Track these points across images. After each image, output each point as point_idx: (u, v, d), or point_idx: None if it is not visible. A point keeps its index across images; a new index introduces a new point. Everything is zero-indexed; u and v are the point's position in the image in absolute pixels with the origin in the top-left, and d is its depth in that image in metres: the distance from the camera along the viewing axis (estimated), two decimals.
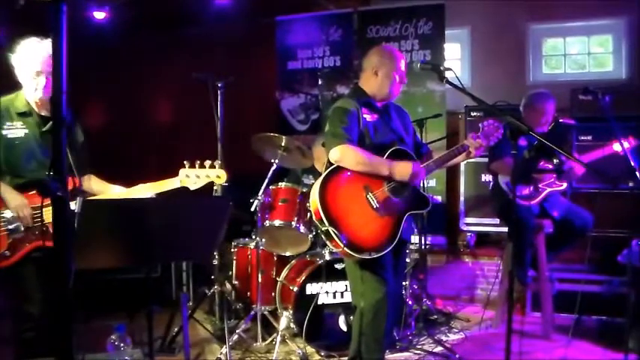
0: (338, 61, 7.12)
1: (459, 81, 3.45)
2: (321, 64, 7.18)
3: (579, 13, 7.00)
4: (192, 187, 3.49)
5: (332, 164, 3.53)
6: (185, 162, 3.45)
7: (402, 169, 3.51)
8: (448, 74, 3.49)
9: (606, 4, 6.81)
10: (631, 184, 4.00)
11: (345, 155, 3.46)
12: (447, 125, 6.64)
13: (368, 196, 3.49)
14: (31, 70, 3.41)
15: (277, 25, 7.45)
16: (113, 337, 3.56)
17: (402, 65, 3.73)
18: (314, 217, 3.51)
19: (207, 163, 3.45)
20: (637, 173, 3.72)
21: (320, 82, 5.68)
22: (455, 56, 7.60)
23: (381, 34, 6.91)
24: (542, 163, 5.00)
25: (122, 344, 3.54)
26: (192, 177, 3.45)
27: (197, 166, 3.46)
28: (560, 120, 5.16)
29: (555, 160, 4.79)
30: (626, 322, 4.23)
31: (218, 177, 3.49)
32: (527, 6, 7.12)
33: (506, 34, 7.29)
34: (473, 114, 6.50)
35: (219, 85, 4.82)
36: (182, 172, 3.46)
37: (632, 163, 3.84)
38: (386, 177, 3.53)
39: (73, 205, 2.81)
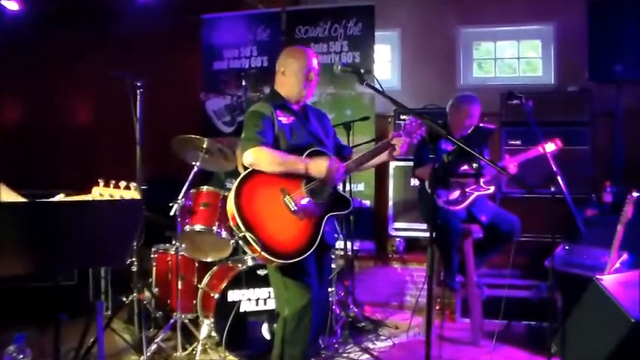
0: (265, 62, 7.01)
1: (379, 84, 3.41)
2: (248, 64, 7.08)
3: (509, 18, 7.12)
4: None
5: (247, 168, 3.44)
6: (99, 180, 3.32)
7: (318, 166, 3.44)
8: (368, 77, 3.42)
9: (535, 9, 6.92)
10: (552, 189, 4.03)
11: (259, 157, 3.39)
12: (376, 128, 6.63)
13: (285, 199, 3.40)
14: None
15: (203, 23, 7.32)
16: (11, 348, 3.43)
17: (315, 63, 3.63)
18: (231, 223, 3.41)
19: (122, 183, 3.33)
20: (558, 178, 3.74)
21: (245, 83, 5.57)
22: (385, 58, 7.59)
23: (310, 35, 6.86)
24: (464, 168, 4.98)
25: (21, 356, 3.40)
26: (105, 196, 3.33)
27: (112, 185, 3.32)
28: (481, 124, 5.15)
29: (474, 165, 4.79)
30: (549, 326, 4.24)
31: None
32: (458, 9, 7.21)
33: (437, 37, 7.35)
34: (402, 117, 6.46)
35: (138, 84, 4.71)
36: (95, 189, 3.35)
37: (554, 168, 3.85)
38: (303, 177, 3.46)
39: None
